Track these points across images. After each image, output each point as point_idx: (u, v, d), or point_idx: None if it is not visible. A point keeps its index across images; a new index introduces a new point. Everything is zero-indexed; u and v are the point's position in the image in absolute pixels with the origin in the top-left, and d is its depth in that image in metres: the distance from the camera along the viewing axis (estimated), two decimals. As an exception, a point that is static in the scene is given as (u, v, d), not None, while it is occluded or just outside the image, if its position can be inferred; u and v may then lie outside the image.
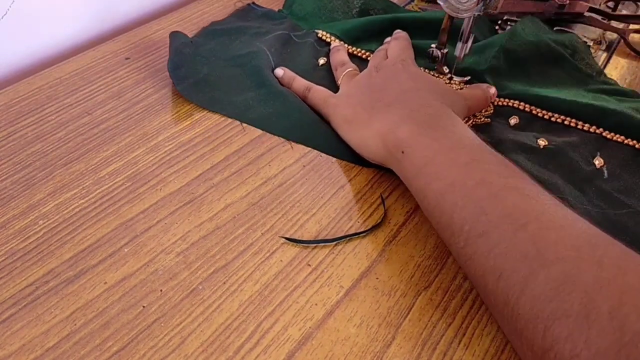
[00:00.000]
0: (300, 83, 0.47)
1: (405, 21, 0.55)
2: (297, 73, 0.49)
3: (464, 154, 0.35)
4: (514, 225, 0.30)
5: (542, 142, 0.44)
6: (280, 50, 0.52)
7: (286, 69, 0.49)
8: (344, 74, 0.47)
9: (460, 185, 0.33)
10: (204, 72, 0.49)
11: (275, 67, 0.50)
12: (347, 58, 0.50)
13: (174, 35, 0.51)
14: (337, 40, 0.55)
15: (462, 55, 0.48)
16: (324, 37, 0.55)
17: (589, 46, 0.57)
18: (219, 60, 0.51)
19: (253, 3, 0.60)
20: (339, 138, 0.43)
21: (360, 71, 0.48)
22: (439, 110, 0.39)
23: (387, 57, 0.47)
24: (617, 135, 0.46)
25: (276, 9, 0.60)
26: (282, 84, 0.48)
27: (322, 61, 0.52)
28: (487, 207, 0.31)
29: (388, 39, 0.52)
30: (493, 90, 0.48)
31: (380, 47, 0.51)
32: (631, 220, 0.38)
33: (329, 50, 0.54)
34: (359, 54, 0.54)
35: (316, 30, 0.56)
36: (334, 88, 0.48)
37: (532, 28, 0.54)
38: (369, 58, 0.53)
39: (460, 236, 0.32)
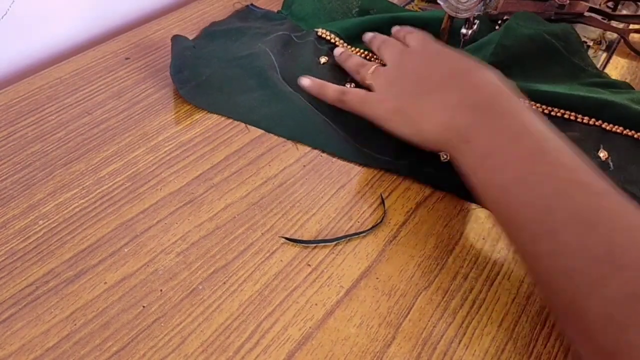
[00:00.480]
0: (333, 88, 0.45)
1: (405, 21, 0.55)
2: (299, 72, 0.49)
3: (528, 143, 0.33)
4: (583, 225, 0.29)
5: None
6: (281, 50, 0.52)
7: (313, 79, 0.47)
8: (370, 71, 0.45)
9: (525, 180, 0.31)
10: (205, 74, 0.48)
11: (279, 68, 0.49)
12: (363, 60, 0.48)
13: (176, 38, 0.51)
14: (336, 38, 0.54)
15: (469, 32, 0.48)
16: (324, 35, 0.55)
17: (583, 42, 0.58)
18: (221, 61, 0.50)
19: (252, 5, 0.60)
20: (346, 138, 0.43)
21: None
22: (497, 90, 0.37)
23: (407, 46, 0.45)
24: (617, 127, 0.46)
25: (275, 10, 0.60)
26: (310, 94, 0.46)
27: (323, 60, 0.52)
28: (555, 205, 0.30)
29: (395, 30, 0.51)
30: None
31: (387, 39, 0.49)
32: None
33: (330, 48, 0.53)
34: (359, 54, 0.54)
35: (316, 29, 0.56)
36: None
37: (526, 21, 0.54)
38: (368, 57, 0.53)
39: (525, 233, 0.31)
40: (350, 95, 0.44)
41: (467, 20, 0.48)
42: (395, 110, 0.41)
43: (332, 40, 0.54)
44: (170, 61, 0.49)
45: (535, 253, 0.30)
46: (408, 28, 0.49)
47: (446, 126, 0.37)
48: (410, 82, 0.41)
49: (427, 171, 0.41)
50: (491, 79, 0.38)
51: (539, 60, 0.52)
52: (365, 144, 0.43)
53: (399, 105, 0.40)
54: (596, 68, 0.53)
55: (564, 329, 0.30)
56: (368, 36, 0.51)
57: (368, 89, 0.44)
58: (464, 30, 0.48)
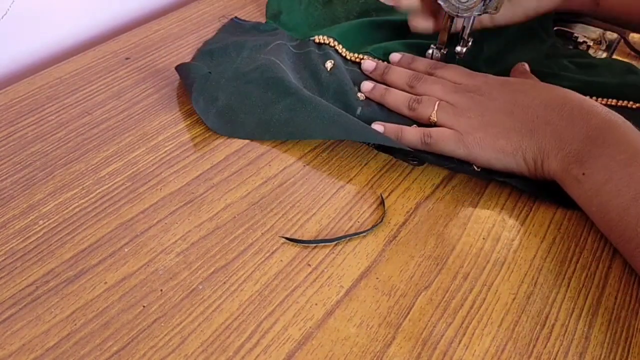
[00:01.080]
0: (413, 132, 0.43)
1: (404, 21, 0.55)
2: (306, 81, 0.48)
3: (639, 164, 0.35)
4: None
5: None
6: (285, 59, 0.50)
7: (386, 124, 0.43)
8: (436, 109, 0.43)
9: None
10: (221, 99, 0.46)
11: (294, 78, 0.47)
12: (408, 94, 0.46)
13: (180, 68, 0.48)
14: (335, 42, 0.53)
15: (463, 51, 0.48)
16: (322, 41, 0.53)
17: (583, 42, 0.58)
18: (230, 81, 0.48)
19: (236, 17, 0.58)
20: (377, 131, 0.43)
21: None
22: (607, 119, 0.38)
23: (454, 83, 0.45)
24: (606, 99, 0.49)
25: (262, 21, 0.58)
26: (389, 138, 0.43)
27: (329, 65, 0.49)
28: None
29: (395, 56, 0.50)
30: (526, 65, 0.49)
31: (419, 75, 0.47)
32: None
33: (331, 51, 0.51)
34: (357, 60, 0.52)
35: (312, 38, 0.53)
36: (344, 90, 0.47)
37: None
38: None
39: None
40: (438, 138, 0.42)
41: (461, 38, 0.48)
42: (507, 152, 0.40)
43: (331, 45, 0.53)
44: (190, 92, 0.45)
45: None
46: (428, 61, 0.49)
47: (567, 161, 0.38)
48: (508, 119, 0.41)
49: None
50: (594, 106, 0.39)
51: (518, 43, 0.54)
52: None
53: (510, 145, 0.40)
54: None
55: None
56: (378, 69, 0.49)
57: (431, 124, 0.44)
58: (458, 48, 0.48)
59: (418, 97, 0.45)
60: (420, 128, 0.43)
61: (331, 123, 0.42)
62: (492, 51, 0.53)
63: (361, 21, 0.56)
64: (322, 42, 0.53)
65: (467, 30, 0.48)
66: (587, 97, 0.41)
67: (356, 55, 0.52)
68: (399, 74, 0.48)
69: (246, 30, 0.56)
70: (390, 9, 0.59)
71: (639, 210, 0.34)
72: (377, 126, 0.43)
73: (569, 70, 0.51)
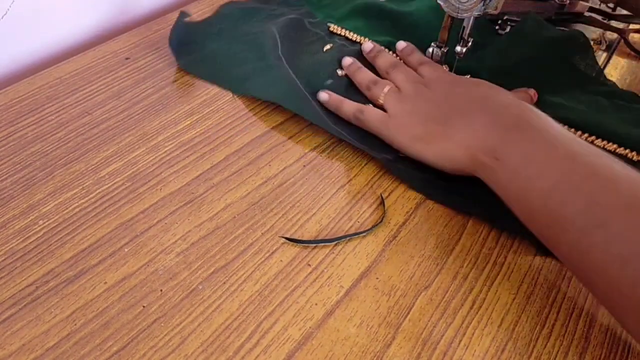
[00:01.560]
0: (349, 106, 0.45)
1: (419, 16, 0.56)
2: (301, 54, 0.51)
3: (563, 150, 0.34)
4: (634, 211, 0.29)
5: None
6: (289, 32, 0.54)
7: (331, 93, 0.47)
8: (384, 92, 0.45)
9: (567, 181, 0.32)
10: (211, 48, 0.51)
11: (281, 46, 0.51)
12: (374, 75, 0.48)
13: (182, 13, 0.54)
14: (348, 32, 0.55)
15: (463, 51, 0.48)
16: (335, 31, 0.56)
17: (591, 43, 0.57)
18: (229, 37, 0.53)
19: None
20: (319, 109, 0.45)
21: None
22: (523, 109, 0.38)
23: (420, 76, 0.46)
24: (610, 144, 0.45)
25: None
26: (327, 109, 0.46)
27: (327, 47, 0.54)
28: (601, 198, 0.31)
29: (401, 43, 0.52)
30: (533, 91, 0.47)
31: (398, 63, 0.49)
32: None
33: (338, 39, 0.55)
34: (361, 42, 0.54)
35: (329, 24, 0.57)
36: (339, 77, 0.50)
37: (534, 27, 0.54)
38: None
39: (572, 231, 0.31)
40: (367, 115, 0.44)
41: (461, 38, 0.48)
42: (419, 138, 0.41)
43: (342, 34, 0.56)
44: (170, 33, 0.52)
45: (587, 247, 0.30)
46: (421, 57, 0.50)
47: (476, 149, 0.37)
48: (432, 109, 0.42)
49: (401, 168, 0.42)
50: (514, 100, 0.39)
51: (542, 67, 0.52)
52: (339, 124, 0.45)
53: (423, 132, 0.41)
54: (604, 76, 0.52)
55: (622, 320, 0.30)
56: (373, 51, 0.52)
57: (379, 106, 0.45)
58: (458, 48, 0.48)
59: (377, 79, 0.47)
60: (356, 103, 0.45)
61: (275, 86, 0.46)
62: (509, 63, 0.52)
63: (376, 12, 0.58)
64: (335, 31, 0.56)
65: (467, 31, 0.48)
66: (508, 92, 0.41)
67: (362, 38, 0.55)
68: (384, 60, 0.50)
69: (278, 0, 0.60)
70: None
71: (562, 193, 0.32)
72: (322, 94, 0.47)
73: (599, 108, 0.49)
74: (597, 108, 0.48)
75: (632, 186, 0.31)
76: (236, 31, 0.54)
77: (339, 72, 0.51)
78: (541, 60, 0.52)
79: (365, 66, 0.50)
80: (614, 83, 0.52)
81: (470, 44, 0.49)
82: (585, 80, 0.51)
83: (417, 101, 0.43)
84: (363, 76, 0.49)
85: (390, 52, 0.53)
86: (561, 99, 0.49)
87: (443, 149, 0.40)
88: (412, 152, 0.41)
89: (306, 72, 0.50)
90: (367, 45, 0.53)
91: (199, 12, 0.59)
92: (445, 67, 0.51)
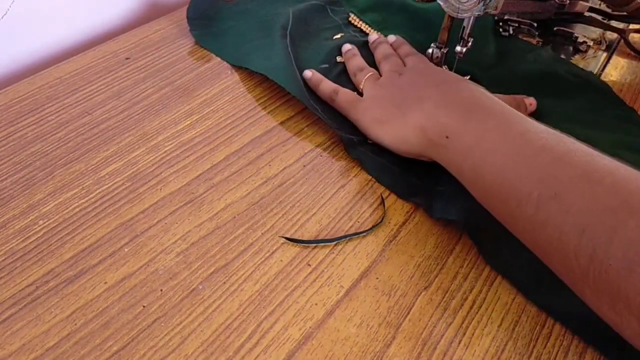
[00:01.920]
0: (326, 86, 0.47)
1: (437, 15, 0.56)
2: (310, 39, 0.53)
3: (515, 127, 0.34)
4: (588, 181, 0.29)
5: None
6: (305, 15, 0.55)
7: (315, 72, 0.49)
8: (365, 78, 0.47)
9: (520, 155, 0.32)
10: (229, 25, 0.54)
11: (291, 28, 0.52)
12: (364, 63, 0.50)
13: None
14: (365, 25, 0.57)
15: (463, 51, 0.48)
16: (353, 22, 0.57)
17: (584, 42, 0.57)
18: (250, 17, 0.55)
19: None
20: (302, 83, 0.46)
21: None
22: (476, 93, 0.38)
23: (404, 65, 0.48)
24: None
25: None
26: (309, 84, 0.48)
27: (338, 35, 0.55)
28: (555, 170, 0.31)
29: (391, 37, 0.53)
30: (531, 100, 0.46)
31: (391, 54, 0.50)
32: None
33: (353, 30, 0.56)
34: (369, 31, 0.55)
35: (350, 13, 0.58)
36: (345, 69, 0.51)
37: (545, 57, 0.54)
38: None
39: (528, 204, 0.31)
40: (340, 96, 0.46)
41: (461, 38, 0.48)
42: (377, 119, 0.42)
43: (358, 26, 0.57)
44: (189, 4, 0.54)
45: (544, 219, 0.30)
46: (410, 49, 0.51)
47: (426, 128, 0.38)
48: (396, 94, 0.43)
49: (362, 150, 0.43)
50: (472, 87, 0.39)
51: (552, 91, 0.50)
52: (317, 103, 0.46)
53: (382, 114, 0.42)
54: (624, 104, 0.49)
55: (585, 297, 0.29)
56: (375, 42, 0.53)
57: (360, 92, 0.47)
58: (458, 48, 0.48)
59: (364, 67, 0.49)
60: (334, 84, 0.47)
61: (269, 60, 0.48)
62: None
63: (398, 7, 0.59)
64: (354, 22, 0.58)
65: (467, 30, 0.48)
66: (466, 80, 0.41)
67: (376, 32, 0.56)
68: (381, 50, 0.51)
69: None
70: None
71: (516, 167, 0.32)
72: (307, 72, 0.49)
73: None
74: (603, 126, 0.46)
75: (585, 157, 0.31)
76: (259, 12, 0.56)
77: (338, 58, 0.52)
78: (549, 78, 0.51)
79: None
80: (634, 109, 0.49)
81: (470, 44, 0.49)
82: (598, 106, 0.49)
83: (388, 87, 0.44)
84: (354, 63, 0.50)
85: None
86: (565, 113, 0.47)
87: (398, 130, 0.40)
88: (371, 134, 0.43)
89: (308, 53, 0.51)
90: (373, 36, 0.54)
91: None
92: (445, 68, 0.51)
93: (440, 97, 0.39)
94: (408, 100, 0.41)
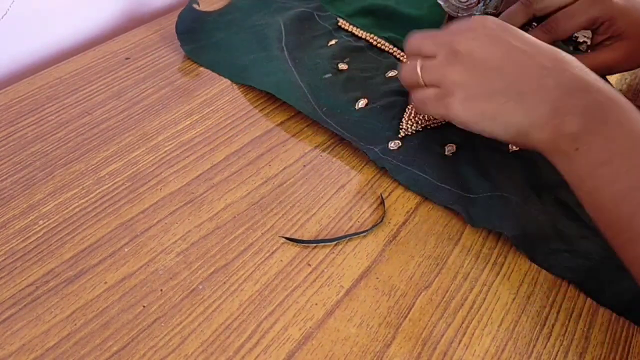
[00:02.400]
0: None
1: (429, 18, 0.56)
2: (305, 49, 0.52)
3: None
4: None
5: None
6: (296, 24, 0.55)
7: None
8: (418, 69, 0.40)
9: None
10: (218, 37, 0.53)
11: (285, 38, 0.52)
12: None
13: (190, 1, 0.55)
14: (355, 28, 0.56)
15: None
16: (343, 26, 0.57)
17: (583, 42, 0.57)
18: (237, 28, 0.54)
19: None
20: (315, 105, 0.45)
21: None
22: (605, 95, 0.34)
23: (445, 36, 0.40)
24: None
25: None
26: (319, 102, 0.46)
27: (332, 42, 0.54)
28: None
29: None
30: None
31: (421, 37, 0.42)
32: None
33: (345, 34, 0.55)
34: (380, 45, 0.54)
35: (338, 18, 0.57)
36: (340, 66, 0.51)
37: None
38: (385, 48, 0.54)
39: None
40: (418, 100, 0.40)
41: None
42: (489, 115, 0.37)
43: (349, 30, 0.56)
44: (177, 20, 0.53)
45: None
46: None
47: (556, 132, 0.34)
48: (495, 79, 0.37)
49: (387, 159, 0.42)
50: (594, 78, 0.35)
51: None
52: (330, 114, 0.45)
53: (494, 109, 0.37)
54: None
55: None
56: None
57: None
58: None
59: (405, 64, 0.42)
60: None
61: (271, 76, 0.47)
62: None
63: (384, 12, 0.58)
64: (343, 27, 0.57)
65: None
66: (574, 58, 0.36)
67: (368, 34, 0.56)
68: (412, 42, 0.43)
69: None
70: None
71: (636, 201, 0.31)
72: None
73: None
74: None
75: None
76: (245, 22, 0.55)
77: (340, 65, 0.51)
78: None
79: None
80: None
81: None
82: None
83: (472, 70, 0.37)
84: (400, 75, 0.43)
85: (394, 47, 0.54)
86: None
87: (519, 127, 0.36)
88: (480, 130, 0.38)
89: (307, 64, 0.51)
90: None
91: (214, 2, 0.59)
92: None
93: (571, 92, 0.35)
94: (520, 87, 0.36)
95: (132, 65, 0.50)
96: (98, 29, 0.57)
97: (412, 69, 0.40)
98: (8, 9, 0.48)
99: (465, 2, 0.44)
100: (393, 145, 0.43)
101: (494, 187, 0.40)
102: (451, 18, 0.48)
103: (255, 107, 0.47)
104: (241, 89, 0.48)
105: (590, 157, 0.33)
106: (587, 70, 0.36)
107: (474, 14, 0.45)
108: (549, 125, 0.35)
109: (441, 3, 0.46)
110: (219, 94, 0.48)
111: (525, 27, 0.57)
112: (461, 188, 0.40)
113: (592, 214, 0.34)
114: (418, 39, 0.41)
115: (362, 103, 0.46)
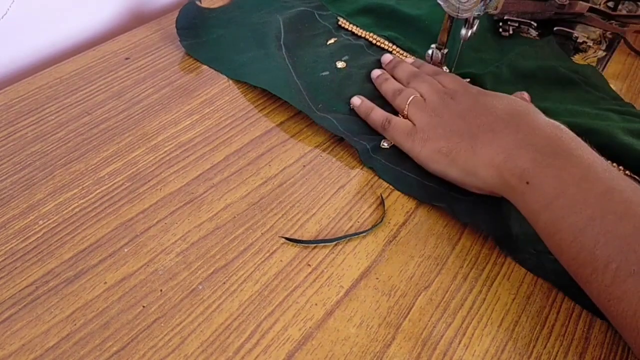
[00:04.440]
0: (378, 115, 0.44)
1: (428, 17, 0.57)
2: (305, 47, 0.52)
3: (598, 184, 0.32)
4: None
5: None
6: (296, 23, 0.55)
7: (364, 99, 0.46)
8: (409, 101, 0.44)
9: (601, 219, 0.31)
10: (217, 34, 0.53)
11: (284, 37, 0.52)
12: (400, 84, 0.47)
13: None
14: (356, 28, 0.56)
15: (469, 34, 0.48)
16: (343, 25, 0.57)
17: (584, 42, 0.57)
18: (236, 26, 0.55)
19: None
20: (310, 103, 0.46)
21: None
22: (556, 132, 0.36)
23: (442, 86, 0.45)
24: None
25: None
26: (358, 114, 0.46)
27: (332, 40, 0.54)
28: (635, 243, 0.29)
29: (388, 56, 0.52)
30: (526, 95, 0.45)
31: (419, 72, 0.48)
32: None
33: (345, 33, 0.56)
34: (383, 45, 0.55)
35: (338, 17, 0.58)
36: (337, 66, 0.51)
37: (546, 52, 0.54)
38: (384, 46, 0.54)
39: (605, 274, 0.30)
40: (394, 126, 0.43)
41: (466, 20, 0.48)
42: (443, 152, 0.39)
43: (349, 29, 0.56)
44: (178, 16, 0.54)
45: (619, 295, 0.29)
46: (436, 68, 0.49)
47: (504, 168, 0.36)
48: (458, 122, 0.40)
49: (377, 158, 0.42)
50: (546, 121, 0.37)
51: (549, 84, 0.51)
52: (325, 111, 0.46)
53: (448, 147, 0.39)
54: (621, 100, 0.51)
55: None
56: (392, 62, 0.51)
57: (405, 117, 0.44)
58: (463, 31, 0.48)
59: (402, 88, 0.46)
60: (385, 113, 0.44)
61: (267, 73, 0.48)
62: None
63: (386, 11, 0.59)
64: (343, 26, 0.57)
65: (472, 17, 0.47)
66: (541, 114, 0.38)
67: (368, 33, 0.56)
68: (403, 70, 0.49)
69: None
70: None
71: (596, 232, 0.30)
72: (355, 99, 0.47)
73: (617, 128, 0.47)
74: (605, 117, 0.47)
75: None
76: (245, 20, 0.55)
77: (338, 64, 0.51)
78: (550, 76, 0.51)
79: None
80: (632, 104, 0.51)
81: (475, 27, 0.48)
82: (597, 99, 0.50)
83: (443, 113, 0.41)
84: (389, 86, 0.47)
85: (403, 53, 0.54)
86: (567, 106, 0.48)
87: (469, 166, 0.38)
88: (434, 168, 0.40)
89: (306, 62, 0.51)
90: (387, 56, 0.52)
91: (216, 0, 0.59)
92: (444, 69, 0.51)
93: (519, 133, 0.36)
94: (478, 130, 0.38)
95: (132, 65, 0.50)
96: (98, 28, 0.57)
97: (404, 98, 0.45)
98: (8, 9, 0.48)
99: (465, 2, 0.44)
100: (386, 143, 0.43)
101: None
102: (451, 18, 0.48)
103: (255, 107, 0.47)
104: (241, 89, 0.48)
105: (543, 190, 0.33)
106: (538, 112, 0.38)
107: (474, 14, 0.45)
108: (495, 162, 0.36)
109: (441, 3, 0.46)
110: (219, 93, 0.48)
111: (523, 26, 0.57)
112: (448, 187, 0.40)
113: (552, 250, 0.34)
114: (422, 80, 0.46)
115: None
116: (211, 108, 0.46)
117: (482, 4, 0.44)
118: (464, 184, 0.39)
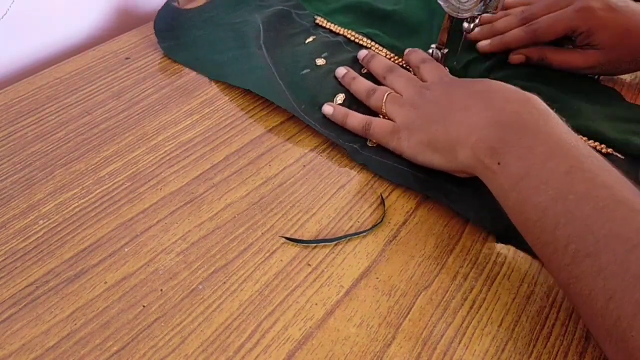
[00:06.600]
0: (356, 119, 0.44)
1: (407, 13, 0.57)
2: (283, 46, 0.52)
3: (563, 162, 0.32)
4: (624, 245, 0.28)
5: None
6: (274, 22, 0.55)
7: (336, 106, 0.45)
8: (385, 99, 0.44)
9: (562, 200, 0.31)
10: (196, 35, 0.53)
11: (263, 36, 0.52)
12: (371, 83, 0.47)
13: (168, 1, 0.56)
14: (334, 25, 0.56)
15: (471, 27, 0.48)
16: (321, 24, 0.57)
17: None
18: (214, 26, 0.55)
19: None
20: (294, 101, 0.46)
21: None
22: (525, 106, 0.35)
23: (419, 79, 0.45)
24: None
25: None
26: (332, 120, 0.45)
27: (310, 39, 0.54)
28: (594, 224, 0.29)
29: (407, 50, 0.51)
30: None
31: (394, 67, 0.47)
32: None
33: (323, 31, 0.56)
34: (362, 42, 0.54)
35: (315, 16, 0.57)
36: (316, 63, 0.51)
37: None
38: (362, 43, 0.54)
39: (565, 255, 0.30)
40: (375, 127, 0.43)
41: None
42: (425, 143, 0.39)
43: (327, 27, 0.56)
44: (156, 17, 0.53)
45: (577, 274, 0.30)
46: (423, 55, 0.48)
47: (477, 148, 0.36)
48: (433, 111, 0.40)
49: (366, 154, 0.42)
50: (518, 93, 0.37)
51: (557, 85, 0.51)
52: (309, 113, 0.46)
53: (428, 136, 0.39)
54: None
55: (606, 351, 0.29)
56: (367, 56, 0.50)
57: (384, 115, 0.44)
58: (465, 25, 0.48)
59: (375, 87, 0.46)
60: (363, 116, 0.44)
61: (250, 74, 0.48)
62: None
63: (365, 8, 0.58)
64: (321, 24, 0.57)
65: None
66: (516, 88, 0.37)
67: (346, 30, 0.56)
68: (379, 64, 0.49)
69: None
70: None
71: (557, 212, 0.31)
72: (327, 107, 0.45)
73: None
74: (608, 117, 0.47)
75: (628, 214, 0.29)
76: (223, 20, 0.55)
77: (318, 61, 0.51)
78: (557, 81, 0.51)
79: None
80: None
81: (478, 20, 0.48)
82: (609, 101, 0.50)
83: (420, 105, 0.41)
84: (359, 85, 0.47)
85: (382, 50, 0.53)
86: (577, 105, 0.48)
87: (447, 149, 0.38)
88: (421, 160, 0.40)
89: (285, 61, 0.51)
90: (362, 52, 0.51)
91: (192, 0, 0.59)
92: (445, 69, 0.51)
93: (486, 109, 0.36)
94: (450, 112, 0.38)
95: (132, 65, 0.50)
96: (98, 29, 0.57)
97: (379, 97, 0.44)
98: (8, 9, 0.48)
99: (465, 2, 0.44)
100: (371, 142, 0.43)
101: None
102: (451, 18, 0.48)
103: (255, 107, 0.47)
104: (241, 89, 0.48)
105: (510, 170, 0.34)
106: (510, 87, 0.38)
107: (475, 14, 0.45)
108: (468, 142, 0.36)
109: (441, 3, 0.46)
110: (219, 94, 0.48)
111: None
112: (442, 178, 0.40)
113: (519, 229, 0.34)
114: (398, 75, 0.46)
115: (340, 98, 0.47)
116: (211, 108, 0.46)
117: (482, 4, 0.44)
118: (451, 170, 0.39)
